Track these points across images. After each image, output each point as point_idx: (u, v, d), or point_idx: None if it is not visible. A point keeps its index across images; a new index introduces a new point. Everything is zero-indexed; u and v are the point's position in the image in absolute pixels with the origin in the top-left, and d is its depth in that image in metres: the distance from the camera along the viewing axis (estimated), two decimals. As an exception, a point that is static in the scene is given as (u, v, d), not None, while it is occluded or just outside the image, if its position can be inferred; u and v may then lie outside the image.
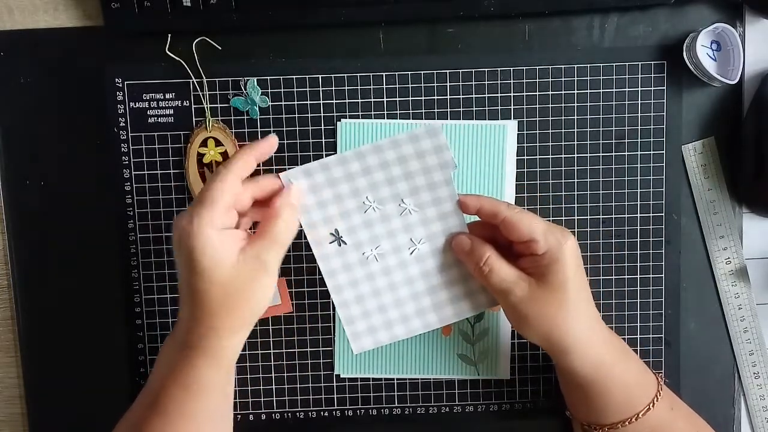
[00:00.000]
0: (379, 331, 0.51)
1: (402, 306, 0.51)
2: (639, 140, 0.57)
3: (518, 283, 0.47)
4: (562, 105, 0.56)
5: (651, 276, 0.58)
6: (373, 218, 0.49)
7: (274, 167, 0.56)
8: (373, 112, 0.56)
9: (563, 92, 0.56)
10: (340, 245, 0.49)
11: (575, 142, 0.57)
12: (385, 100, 0.56)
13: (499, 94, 0.56)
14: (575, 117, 0.56)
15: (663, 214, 0.57)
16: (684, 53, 0.55)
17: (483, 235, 0.49)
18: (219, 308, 0.44)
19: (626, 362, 0.50)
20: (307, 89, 0.56)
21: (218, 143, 0.56)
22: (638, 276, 0.58)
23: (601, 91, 0.56)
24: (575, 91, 0.56)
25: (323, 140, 0.56)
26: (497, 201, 0.48)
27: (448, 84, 0.56)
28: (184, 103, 0.56)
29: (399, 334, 0.51)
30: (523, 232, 0.46)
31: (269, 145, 0.48)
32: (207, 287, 0.43)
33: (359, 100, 0.56)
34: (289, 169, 0.47)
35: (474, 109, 0.56)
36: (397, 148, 0.47)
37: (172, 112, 0.56)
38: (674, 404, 0.52)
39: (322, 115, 0.56)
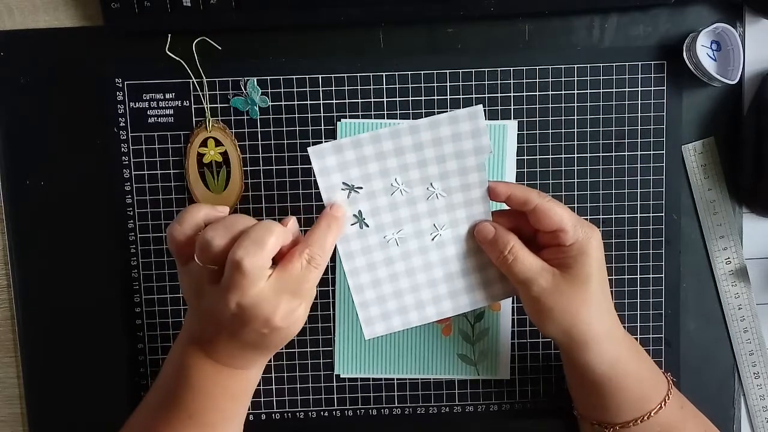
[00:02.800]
0: (392, 317, 0.50)
1: (418, 292, 0.50)
2: (639, 140, 0.57)
3: (542, 273, 0.47)
4: (562, 105, 0.56)
5: (651, 276, 0.58)
6: (399, 201, 0.48)
7: (274, 167, 0.56)
8: (373, 112, 0.56)
9: (563, 92, 0.56)
10: (361, 227, 0.48)
11: (575, 142, 0.57)
12: (385, 100, 0.56)
13: (499, 94, 0.56)
14: (575, 117, 0.56)
15: (663, 214, 0.57)
16: (684, 53, 0.55)
17: (506, 226, 0.48)
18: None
19: (640, 360, 0.50)
20: (307, 89, 0.56)
21: (218, 143, 0.56)
22: (638, 276, 0.58)
23: (601, 91, 0.56)
24: (575, 91, 0.56)
25: (323, 140, 0.56)
26: (528, 189, 0.47)
27: (448, 84, 0.56)
28: (184, 103, 0.56)
29: (412, 321, 0.50)
30: (553, 221, 0.46)
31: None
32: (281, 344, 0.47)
33: (359, 100, 0.56)
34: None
35: (474, 109, 0.56)
36: (435, 129, 0.46)
37: (172, 112, 0.56)
38: (683, 403, 0.52)
39: (322, 115, 0.56)
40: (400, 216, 0.48)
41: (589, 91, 0.56)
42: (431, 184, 0.48)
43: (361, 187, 0.47)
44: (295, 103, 0.56)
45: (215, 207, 0.47)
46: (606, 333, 0.48)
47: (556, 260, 0.47)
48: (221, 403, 0.47)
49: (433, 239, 0.49)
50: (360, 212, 0.48)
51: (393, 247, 0.49)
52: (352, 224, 0.48)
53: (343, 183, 0.47)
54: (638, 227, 0.57)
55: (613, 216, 0.57)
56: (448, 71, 0.56)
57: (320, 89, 0.56)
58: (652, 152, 0.57)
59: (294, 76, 0.56)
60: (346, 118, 0.56)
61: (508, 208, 0.49)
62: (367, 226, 0.48)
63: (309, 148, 0.45)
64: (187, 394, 0.46)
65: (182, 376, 0.46)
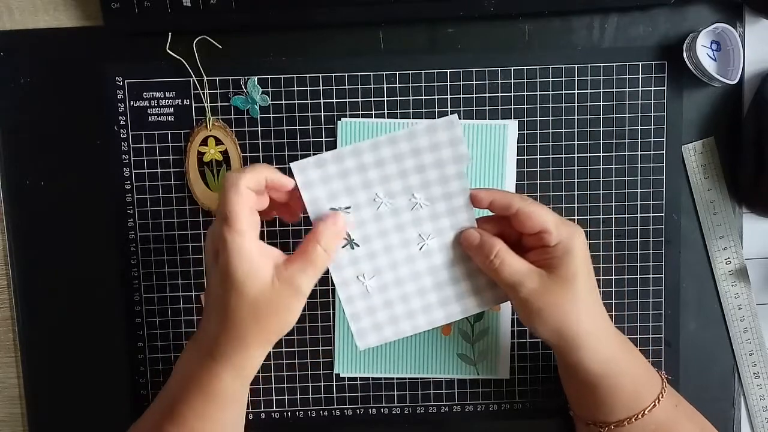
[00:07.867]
0: (384, 328, 0.50)
1: (408, 302, 0.50)
2: (639, 140, 0.57)
3: (529, 275, 0.47)
4: (562, 105, 0.56)
5: (651, 276, 0.58)
6: (383, 213, 0.48)
7: (275, 166, 0.56)
8: (373, 112, 0.56)
9: (563, 92, 0.56)
10: (352, 248, 0.48)
11: (575, 142, 0.57)
12: (385, 99, 0.56)
13: (499, 94, 0.56)
14: (575, 117, 0.56)
15: (663, 214, 0.57)
16: (684, 53, 0.55)
17: (491, 231, 0.49)
18: (249, 322, 0.45)
19: (633, 358, 0.50)
20: (308, 88, 0.56)
21: (218, 142, 0.56)
22: (638, 276, 0.58)
23: (601, 91, 0.56)
24: (575, 91, 0.56)
25: (323, 139, 0.56)
26: (509, 193, 0.48)
27: (448, 84, 0.56)
28: (185, 102, 0.56)
29: (404, 331, 0.50)
30: (536, 223, 0.46)
31: (284, 182, 0.47)
32: (238, 301, 0.44)
33: (359, 100, 0.56)
34: (298, 159, 0.46)
35: (474, 108, 0.56)
36: (413, 140, 0.46)
37: (172, 110, 0.56)
38: (678, 402, 0.52)
39: (322, 114, 0.56)
40: (385, 227, 0.49)
41: (589, 91, 0.56)
42: (413, 194, 0.48)
43: (350, 207, 0.48)
44: (296, 102, 0.56)
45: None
46: (597, 331, 0.48)
47: (542, 261, 0.47)
48: (237, 409, 0.48)
49: (420, 249, 0.49)
50: (348, 234, 0.48)
51: (380, 258, 0.49)
52: (343, 246, 0.48)
53: (330, 208, 0.47)
54: (638, 227, 0.57)
55: (613, 216, 0.57)
56: (448, 71, 0.56)
57: (320, 88, 0.56)
58: (652, 152, 0.57)
59: (294, 75, 0.56)
60: (346, 117, 0.56)
61: (491, 214, 0.49)
62: (357, 245, 0.49)
63: (292, 164, 0.46)
64: (198, 401, 0.46)
65: (194, 385, 0.46)
